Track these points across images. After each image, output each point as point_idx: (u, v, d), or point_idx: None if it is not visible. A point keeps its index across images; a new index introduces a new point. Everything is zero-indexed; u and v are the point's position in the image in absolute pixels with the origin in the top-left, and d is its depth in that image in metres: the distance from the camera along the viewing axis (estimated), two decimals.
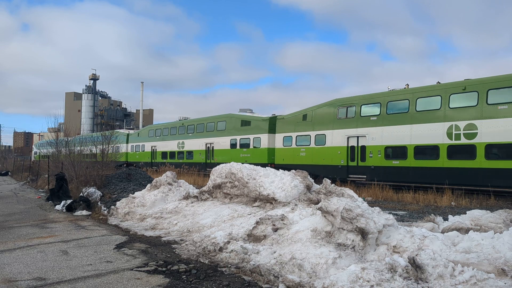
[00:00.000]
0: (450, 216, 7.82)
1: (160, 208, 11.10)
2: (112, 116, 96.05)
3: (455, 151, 16.92)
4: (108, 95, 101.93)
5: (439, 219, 8.09)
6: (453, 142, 16.93)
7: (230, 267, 6.22)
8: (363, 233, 5.70)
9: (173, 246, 7.70)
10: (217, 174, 10.74)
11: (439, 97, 17.77)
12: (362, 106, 20.88)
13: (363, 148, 20.59)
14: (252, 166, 10.41)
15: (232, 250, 6.69)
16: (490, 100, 16.01)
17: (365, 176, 20.33)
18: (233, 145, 29.56)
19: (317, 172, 21.39)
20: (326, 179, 8.83)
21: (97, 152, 20.34)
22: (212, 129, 31.85)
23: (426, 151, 17.96)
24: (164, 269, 6.15)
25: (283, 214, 7.43)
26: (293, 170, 9.88)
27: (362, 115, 20.81)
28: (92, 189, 14.21)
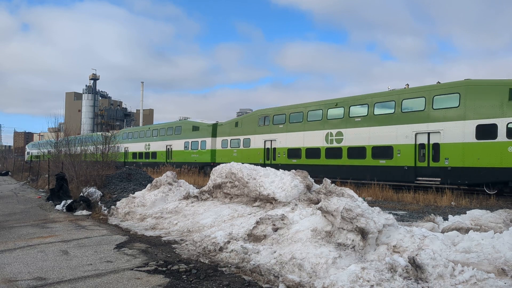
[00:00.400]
0: (450, 216, 7.82)
1: (160, 208, 11.11)
2: (112, 116, 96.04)
3: (330, 152, 22.48)
4: (108, 95, 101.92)
5: (439, 219, 8.08)
6: (329, 145, 22.64)
7: (230, 267, 6.22)
8: (363, 233, 5.71)
9: (173, 246, 7.70)
10: (217, 174, 10.74)
11: (321, 110, 23.50)
12: (274, 116, 26.72)
13: (274, 149, 26.47)
14: (252, 166, 10.42)
15: (232, 250, 6.69)
16: (351, 114, 21.85)
17: None
18: (186, 147, 35.20)
19: None
20: (326, 179, 8.84)
21: (95, 152, 20.55)
22: (171, 133, 37.41)
23: (313, 152, 23.36)
24: (164, 269, 6.15)
25: (283, 214, 7.43)
26: (293, 170, 9.89)
27: (274, 123, 26.70)
28: (92, 189, 14.21)
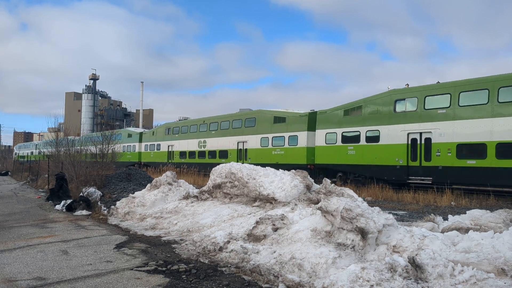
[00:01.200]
0: (450, 216, 7.81)
1: (160, 208, 11.10)
2: (112, 116, 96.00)
3: (200, 154, 32.27)
4: (108, 95, 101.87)
5: (439, 219, 8.08)
6: (199, 149, 32.42)
7: (230, 266, 6.22)
8: (363, 233, 5.71)
9: (173, 245, 7.70)
10: (217, 174, 10.74)
11: (196, 126, 33.68)
12: (174, 128, 37.15)
13: (173, 152, 36.45)
14: (252, 166, 10.42)
15: (232, 250, 6.69)
16: (211, 128, 31.50)
17: None
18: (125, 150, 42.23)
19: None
20: (325, 179, 8.85)
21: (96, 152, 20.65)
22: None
23: (192, 153, 33.29)
24: (164, 268, 6.15)
25: (283, 214, 7.43)
26: (293, 170, 9.89)
27: (173, 133, 36.73)
28: (92, 189, 14.21)
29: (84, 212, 12.40)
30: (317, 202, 7.86)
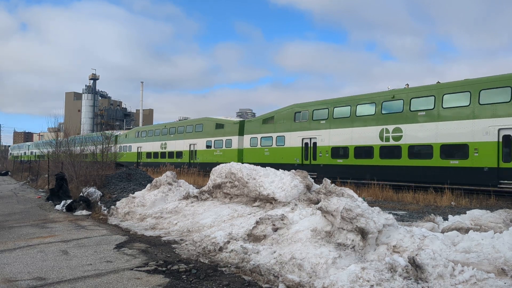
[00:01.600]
0: (450, 216, 7.81)
1: (160, 208, 11.10)
2: (112, 116, 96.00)
3: (162, 154, 37.44)
4: (108, 95, 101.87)
5: (439, 219, 8.08)
6: (162, 150, 37.81)
7: (230, 267, 6.22)
8: (363, 233, 5.70)
9: (173, 246, 7.70)
10: (217, 174, 10.74)
11: (159, 129, 39.25)
12: (142, 132, 43.05)
13: (140, 153, 41.73)
14: (252, 166, 10.42)
15: (232, 250, 6.69)
16: (196, 129, 34.21)
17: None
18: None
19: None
20: (325, 178, 8.84)
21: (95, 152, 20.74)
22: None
23: (155, 154, 38.79)
24: (164, 269, 6.15)
25: (283, 214, 7.43)
26: (293, 170, 9.89)
27: (142, 136, 42.38)
28: (92, 189, 14.21)
29: (84, 212, 12.40)
30: (317, 202, 7.86)
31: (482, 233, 5.68)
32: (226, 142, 30.59)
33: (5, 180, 30.62)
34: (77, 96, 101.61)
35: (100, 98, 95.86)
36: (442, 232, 6.65)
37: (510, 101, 15.46)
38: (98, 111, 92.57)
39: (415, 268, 4.84)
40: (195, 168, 29.14)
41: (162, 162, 34.58)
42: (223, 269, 6.13)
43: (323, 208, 6.46)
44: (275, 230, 6.95)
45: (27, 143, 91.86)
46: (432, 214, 8.61)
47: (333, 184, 8.61)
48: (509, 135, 15.39)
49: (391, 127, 19.27)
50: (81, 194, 14.01)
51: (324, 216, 6.46)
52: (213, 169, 11.17)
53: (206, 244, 7.20)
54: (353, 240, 5.80)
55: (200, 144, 33.22)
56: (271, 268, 5.79)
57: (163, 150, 37.86)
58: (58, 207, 13.46)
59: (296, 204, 8.37)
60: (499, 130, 15.60)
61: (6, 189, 21.67)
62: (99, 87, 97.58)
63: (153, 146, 39.65)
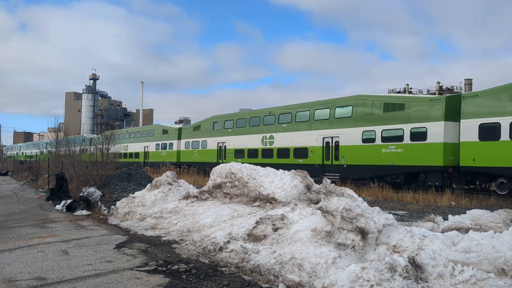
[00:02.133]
0: (450, 216, 7.81)
1: (160, 208, 11.10)
2: (112, 116, 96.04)
3: (145, 155, 41.88)
4: (108, 95, 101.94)
5: (439, 218, 8.08)
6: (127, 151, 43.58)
7: (230, 266, 6.22)
8: (363, 233, 5.70)
9: (173, 245, 7.70)
10: (217, 174, 10.74)
11: (139, 132, 44.35)
12: (126, 134, 46.42)
13: (127, 153, 44.62)
14: (252, 166, 10.42)
15: (232, 250, 6.69)
16: (149, 134, 41.42)
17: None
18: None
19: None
20: (325, 178, 8.84)
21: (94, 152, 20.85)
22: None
23: (137, 154, 42.80)
24: (164, 268, 6.15)
25: (283, 214, 7.43)
26: (293, 170, 9.88)
27: (128, 138, 45.48)
28: (92, 189, 14.21)
29: (84, 212, 12.40)
30: (317, 202, 7.86)
31: (482, 233, 5.68)
32: (169, 145, 37.90)
33: (5, 180, 30.63)
34: (77, 96, 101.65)
35: (100, 98, 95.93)
36: (442, 232, 6.65)
37: (328, 118, 22.73)
38: (98, 111, 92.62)
39: (415, 268, 4.84)
40: (147, 167, 36.26)
41: (126, 162, 41.74)
42: (223, 269, 6.13)
43: (323, 208, 6.46)
44: (275, 230, 6.95)
45: (19, 144, 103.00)
46: (432, 214, 8.61)
47: (333, 184, 8.61)
48: (328, 142, 22.52)
49: (268, 135, 26.82)
50: (81, 194, 14.01)
51: (324, 216, 6.47)
52: (213, 169, 11.17)
53: (206, 244, 7.21)
54: (353, 240, 5.80)
55: (151, 146, 41.06)
56: (271, 268, 5.79)
57: (125, 151, 44.55)
58: (58, 207, 13.47)
59: (296, 204, 8.37)
60: (323, 138, 22.70)
61: (6, 189, 21.67)
62: (99, 87, 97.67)
63: (122, 148, 46.40)
